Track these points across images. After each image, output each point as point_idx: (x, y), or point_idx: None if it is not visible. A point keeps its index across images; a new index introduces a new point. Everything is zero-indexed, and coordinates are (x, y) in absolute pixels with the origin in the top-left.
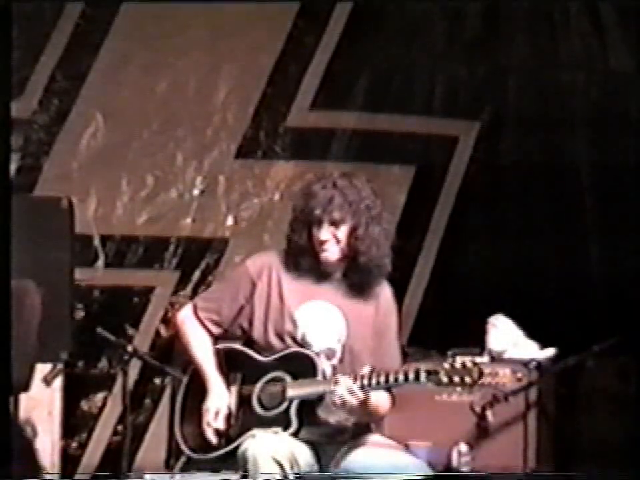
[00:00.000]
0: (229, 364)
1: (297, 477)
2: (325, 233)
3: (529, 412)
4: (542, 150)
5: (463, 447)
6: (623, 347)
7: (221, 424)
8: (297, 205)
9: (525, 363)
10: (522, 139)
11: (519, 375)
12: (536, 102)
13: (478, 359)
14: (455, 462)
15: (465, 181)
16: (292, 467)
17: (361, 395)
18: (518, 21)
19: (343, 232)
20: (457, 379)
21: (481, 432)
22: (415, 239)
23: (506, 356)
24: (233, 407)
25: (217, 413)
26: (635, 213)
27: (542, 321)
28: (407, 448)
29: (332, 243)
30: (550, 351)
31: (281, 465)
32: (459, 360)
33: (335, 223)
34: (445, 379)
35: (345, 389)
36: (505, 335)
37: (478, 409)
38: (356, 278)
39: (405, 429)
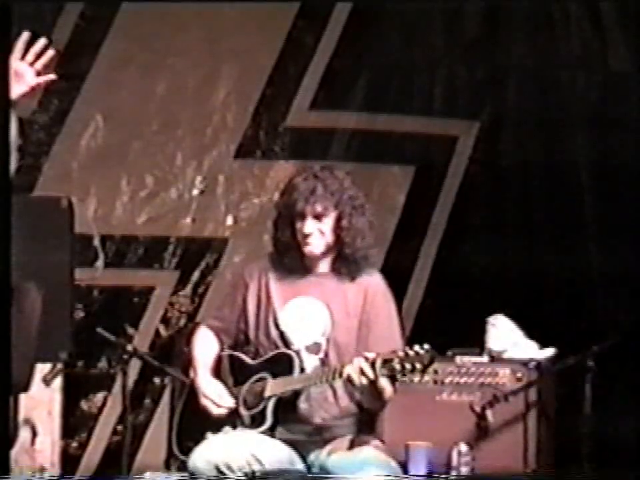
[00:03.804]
0: (229, 368)
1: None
2: (308, 226)
3: (529, 412)
4: (542, 150)
5: (463, 447)
6: (623, 347)
7: (229, 402)
8: (279, 201)
9: (525, 363)
10: (522, 139)
11: (519, 374)
12: (536, 102)
13: (477, 359)
14: (455, 462)
15: (465, 181)
16: (244, 468)
17: (371, 374)
18: (518, 20)
19: (326, 224)
20: (408, 365)
21: (481, 432)
22: (415, 239)
23: (506, 356)
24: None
25: (219, 396)
26: (635, 213)
27: (542, 321)
28: (406, 448)
29: (316, 236)
30: (550, 351)
31: (218, 468)
32: (416, 347)
33: (318, 216)
34: (397, 367)
35: (357, 369)
36: (505, 335)
37: (478, 409)
38: (342, 270)
39: (405, 429)
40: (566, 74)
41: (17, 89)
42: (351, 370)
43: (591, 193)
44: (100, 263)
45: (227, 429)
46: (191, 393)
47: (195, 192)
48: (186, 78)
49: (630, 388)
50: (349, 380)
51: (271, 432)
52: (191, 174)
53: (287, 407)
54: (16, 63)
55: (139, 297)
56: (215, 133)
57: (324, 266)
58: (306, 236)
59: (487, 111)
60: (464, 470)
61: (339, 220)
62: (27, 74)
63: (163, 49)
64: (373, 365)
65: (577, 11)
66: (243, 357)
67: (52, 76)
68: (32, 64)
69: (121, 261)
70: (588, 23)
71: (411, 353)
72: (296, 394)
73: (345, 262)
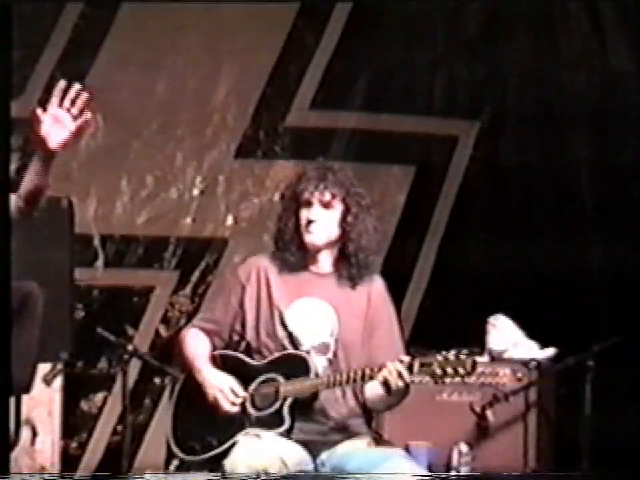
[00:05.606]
0: (223, 369)
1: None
2: (314, 212)
3: (529, 412)
4: (542, 150)
5: (463, 447)
6: (623, 347)
7: (242, 395)
8: (286, 191)
9: (525, 363)
10: (522, 139)
11: (519, 374)
12: (536, 102)
13: (478, 359)
14: (455, 462)
15: (465, 181)
16: (277, 471)
17: (408, 378)
18: (518, 20)
19: (333, 216)
20: (450, 370)
21: (481, 432)
22: (415, 239)
23: (506, 356)
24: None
25: (231, 389)
26: (635, 213)
27: (542, 321)
28: (406, 448)
29: (320, 225)
30: (550, 351)
31: (257, 474)
32: (453, 352)
33: (325, 204)
34: (438, 371)
35: (395, 372)
36: (505, 335)
37: (478, 409)
38: (345, 270)
39: (405, 429)
40: (566, 74)
41: (59, 135)
42: (386, 373)
43: (591, 192)
44: (100, 262)
45: (258, 430)
46: (191, 391)
47: (195, 192)
48: (186, 78)
49: (630, 388)
50: (385, 383)
51: (287, 433)
52: (191, 174)
53: (302, 408)
54: (55, 110)
55: (139, 296)
56: (215, 133)
57: (326, 265)
58: (309, 222)
59: (487, 110)
60: (464, 470)
61: (345, 215)
62: (65, 120)
63: (162, 49)
64: (409, 368)
65: (577, 11)
66: (243, 357)
67: (88, 115)
68: (69, 110)
69: (121, 261)
70: (588, 23)
71: (451, 357)
72: (314, 395)
73: (347, 263)
